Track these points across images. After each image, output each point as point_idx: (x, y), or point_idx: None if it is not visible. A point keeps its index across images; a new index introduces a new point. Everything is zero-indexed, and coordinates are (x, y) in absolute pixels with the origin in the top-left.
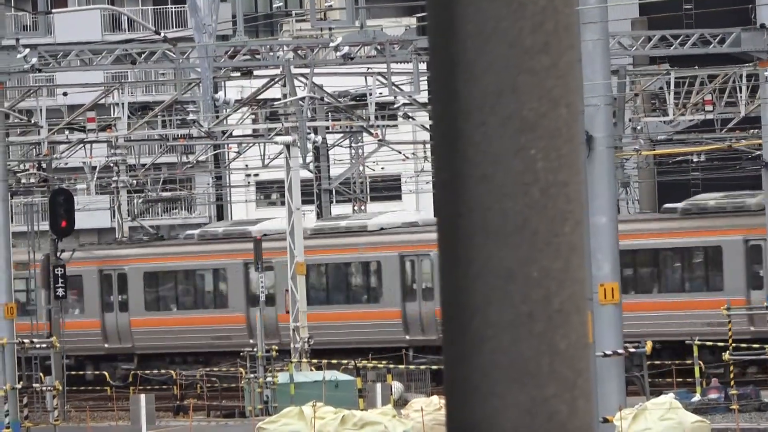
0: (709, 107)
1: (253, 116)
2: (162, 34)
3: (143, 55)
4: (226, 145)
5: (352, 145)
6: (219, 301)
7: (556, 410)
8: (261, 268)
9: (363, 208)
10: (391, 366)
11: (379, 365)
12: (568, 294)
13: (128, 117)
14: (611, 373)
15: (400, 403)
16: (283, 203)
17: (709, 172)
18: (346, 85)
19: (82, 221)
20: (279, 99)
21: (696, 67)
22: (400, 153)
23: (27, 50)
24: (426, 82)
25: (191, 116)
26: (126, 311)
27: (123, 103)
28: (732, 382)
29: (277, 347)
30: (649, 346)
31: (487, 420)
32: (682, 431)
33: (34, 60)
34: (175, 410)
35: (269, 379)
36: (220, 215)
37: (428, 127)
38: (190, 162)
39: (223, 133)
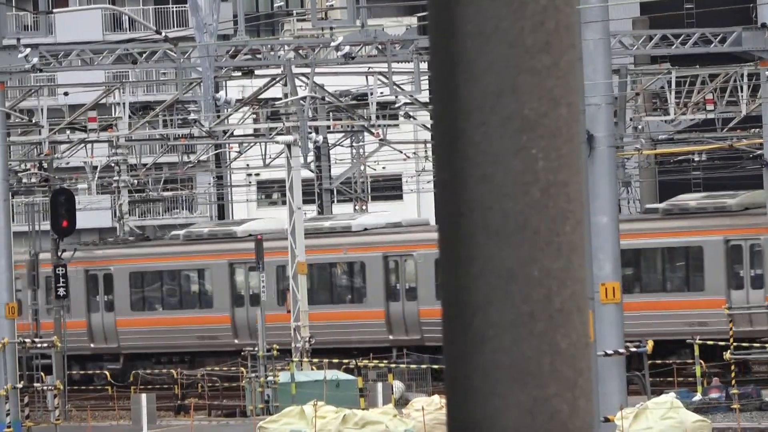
0: (710, 106)
1: (254, 116)
2: (163, 34)
3: (144, 55)
4: (227, 145)
5: (353, 144)
6: (204, 301)
7: (558, 410)
8: (262, 268)
9: (364, 207)
10: (393, 365)
11: (380, 364)
12: (569, 293)
13: (129, 117)
14: (612, 372)
15: (401, 403)
16: (284, 203)
17: (710, 172)
18: (347, 85)
19: (83, 221)
20: (280, 98)
21: (697, 66)
22: (401, 152)
23: (28, 50)
24: (427, 82)
25: (192, 116)
26: (112, 311)
27: (124, 103)
28: (733, 382)
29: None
30: (650, 346)
31: (488, 419)
32: (683, 430)
33: (35, 60)
34: (176, 410)
35: (270, 378)
36: (222, 215)
37: (429, 126)
38: (191, 162)
39: (224, 132)
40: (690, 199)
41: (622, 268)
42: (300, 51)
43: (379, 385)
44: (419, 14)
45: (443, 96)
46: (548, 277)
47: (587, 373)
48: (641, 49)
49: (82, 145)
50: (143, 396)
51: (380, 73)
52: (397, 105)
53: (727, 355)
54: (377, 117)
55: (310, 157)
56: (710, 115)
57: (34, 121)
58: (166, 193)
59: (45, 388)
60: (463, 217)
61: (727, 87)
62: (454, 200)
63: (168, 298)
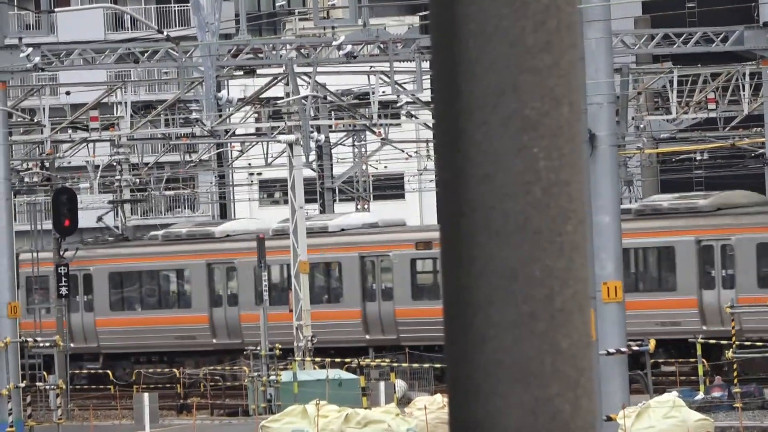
0: (711, 105)
1: (256, 115)
2: (165, 33)
3: (146, 54)
4: (229, 144)
5: (355, 143)
6: (182, 301)
7: (559, 409)
8: (264, 267)
9: (366, 206)
10: (395, 364)
11: (383, 363)
12: (571, 293)
13: (131, 116)
14: (614, 371)
15: (404, 402)
16: (286, 202)
17: (712, 171)
18: (348, 84)
19: (85, 220)
20: (282, 98)
21: (699, 65)
22: (403, 152)
23: (30, 49)
24: (429, 81)
25: (194, 115)
26: (91, 311)
27: (126, 102)
28: (735, 380)
29: (240, 347)
30: (652, 345)
31: (490, 419)
32: (686, 429)
33: (37, 59)
34: (179, 409)
35: (272, 377)
36: (224, 214)
37: (431, 125)
38: (193, 161)
39: (226, 131)
40: (662, 200)
41: None
42: (302, 50)
43: (382, 384)
44: (421, 13)
45: (445, 95)
46: (550, 277)
47: (589, 373)
48: (643, 48)
49: (84, 144)
50: (146, 395)
51: (382, 72)
52: (398, 104)
53: (729, 354)
54: (379, 116)
55: (312, 157)
56: (712, 114)
57: (36, 120)
58: (167, 192)
59: (47, 387)
60: (465, 216)
61: (729, 86)
62: (456, 200)
63: (147, 298)
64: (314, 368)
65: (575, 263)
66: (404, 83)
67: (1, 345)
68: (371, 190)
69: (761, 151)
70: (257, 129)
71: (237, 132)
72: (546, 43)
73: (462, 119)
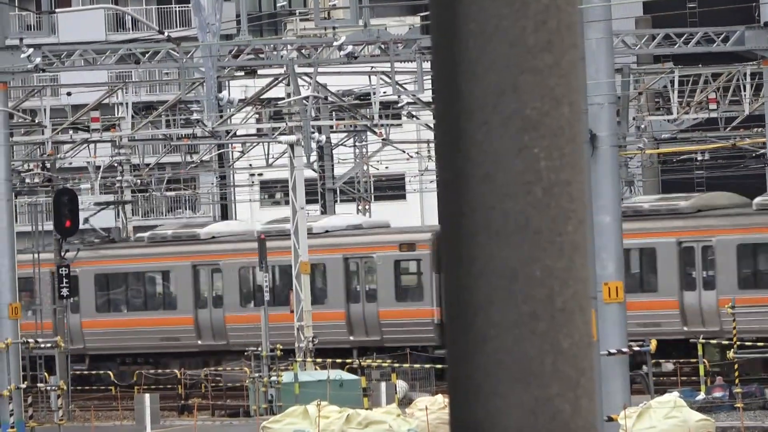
0: (713, 105)
1: (257, 116)
2: (166, 34)
3: (147, 55)
4: (230, 145)
5: (356, 144)
6: (168, 302)
7: (560, 409)
8: (265, 267)
9: (367, 207)
10: (396, 365)
11: (384, 364)
12: (571, 293)
13: (132, 116)
14: (616, 371)
15: (405, 402)
16: (287, 203)
17: (713, 171)
18: (349, 85)
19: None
20: (283, 98)
21: (700, 65)
22: (404, 152)
23: (31, 50)
24: (430, 81)
25: (195, 116)
26: (77, 312)
27: (127, 103)
28: (736, 381)
29: (225, 348)
30: (653, 345)
31: (490, 419)
32: (687, 429)
33: (38, 60)
34: (180, 409)
35: (274, 378)
36: (225, 215)
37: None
38: (194, 161)
39: (227, 132)
40: (644, 202)
41: None
42: (303, 51)
43: (383, 384)
44: (422, 14)
45: (445, 95)
46: (550, 277)
47: (589, 373)
48: (644, 48)
49: (85, 145)
50: (147, 396)
51: (383, 72)
52: (399, 105)
53: (730, 354)
54: (380, 117)
55: (313, 157)
56: (713, 115)
57: (37, 121)
58: (168, 193)
59: (48, 388)
60: (465, 216)
61: (730, 86)
62: (456, 200)
63: (132, 299)
64: (315, 369)
65: (576, 263)
66: (405, 84)
67: (2, 346)
68: (372, 191)
69: (762, 151)
70: (258, 130)
71: (238, 133)
72: (546, 43)
73: (462, 119)
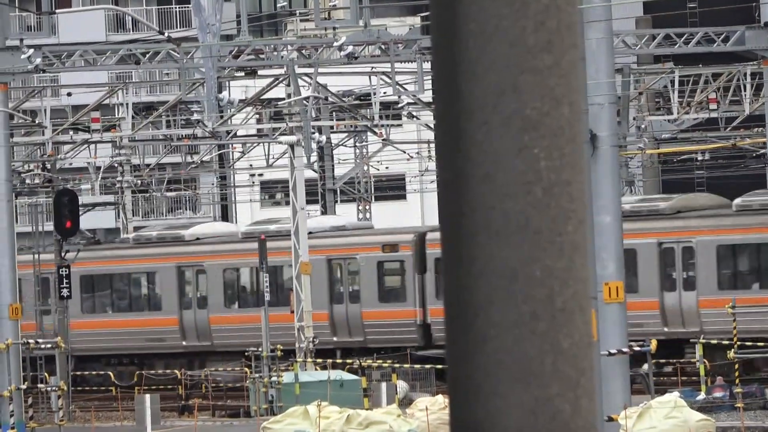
0: (713, 105)
1: (258, 116)
2: (166, 34)
3: (147, 55)
4: (230, 145)
5: (357, 144)
6: (153, 303)
7: (560, 409)
8: (265, 268)
9: (368, 207)
10: (396, 365)
11: (384, 364)
12: (572, 293)
13: (132, 117)
14: (616, 371)
15: (405, 403)
16: (287, 203)
17: (713, 171)
18: (350, 85)
19: (86, 221)
20: (283, 99)
21: (700, 65)
22: (405, 152)
23: (31, 50)
24: (430, 82)
25: (195, 116)
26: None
27: (127, 104)
28: (737, 381)
29: (209, 349)
30: (654, 345)
31: (490, 419)
32: (687, 429)
33: (39, 60)
34: (180, 410)
35: (274, 378)
36: (225, 215)
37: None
38: (194, 162)
39: (228, 133)
40: (624, 203)
41: None
42: (303, 51)
43: (383, 385)
44: (422, 14)
45: (445, 95)
46: (550, 277)
47: (589, 373)
48: (644, 48)
49: (86, 145)
50: (147, 396)
51: (383, 73)
52: (400, 105)
53: (730, 354)
54: (380, 117)
55: (314, 158)
56: (713, 115)
57: (37, 121)
58: (169, 194)
59: (49, 389)
60: (465, 216)
61: (730, 86)
62: (456, 200)
63: (118, 300)
64: (316, 369)
65: (575, 263)
66: (405, 84)
67: (2, 347)
68: (372, 191)
69: (762, 151)
70: (258, 130)
71: (238, 133)
72: (546, 43)
73: (462, 119)
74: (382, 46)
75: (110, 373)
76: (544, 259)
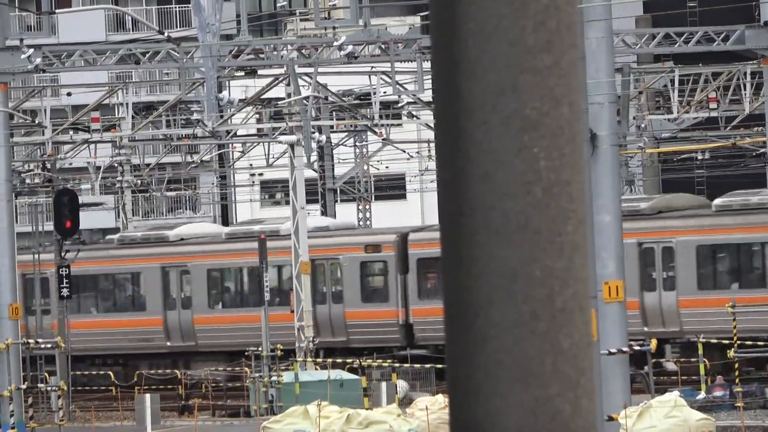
0: (713, 105)
1: (258, 116)
2: (166, 34)
3: (147, 55)
4: (230, 145)
5: (357, 144)
6: (137, 304)
7: (560, 409)
8: (266, 268)
9: (368, 207)
10: (396, 365)
11: (384, 364)
12: (571, 293)
13: (132, 117)
14: (616, 371)
15: (405, 402)
16: (287, 203)
17: (713, 170)
18: (350, 84)
19: (86, 221)
20: (283, 98)
21: (700, 64)
22: (405, 152)
23: (31, 50)
24: (430, 81)
25: (195, 116)
26: (47, 314)
27: (127, 103)
28: (737, 380)
29: (194, 349)
30: (653, 344)
31: (490, 419)
32: (687, 429)
33: (38, 60)
34: (180, 410)
35: (274, 378)
36: (225, 215)
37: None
38: (194, 162)
39: (228, 132)
40: None
41: None
42: (303, 51)
43: (383, 384)
44: (422, 13)
45: (445, 95)
46: (550, 277)
47: (589, 373)
48: (644, 47)
49: (86, 145)
50: (147, 396)
51: (383, 72)
52: (400, 104)
53: (731, 353)
54: (380, 116)
55: (314, 157)
56: (713, 114)
57: (37, 121)
58: (169, 193)
59: (49, 388)
60: (465, 216)
61: (730, 85)
62: (456, 199)
63: (103, 301)
64: (316, 369)
65: (575, 263)
66: (405, 83)
67: (2, 347)
68: (372, 191)
69: (762, 150)
70: (258, 130)
71: (238, 133)
72: (546, 43)
73: (462, 119)
74: (382, 46)
75: (110, 373)
76: (543, 259)
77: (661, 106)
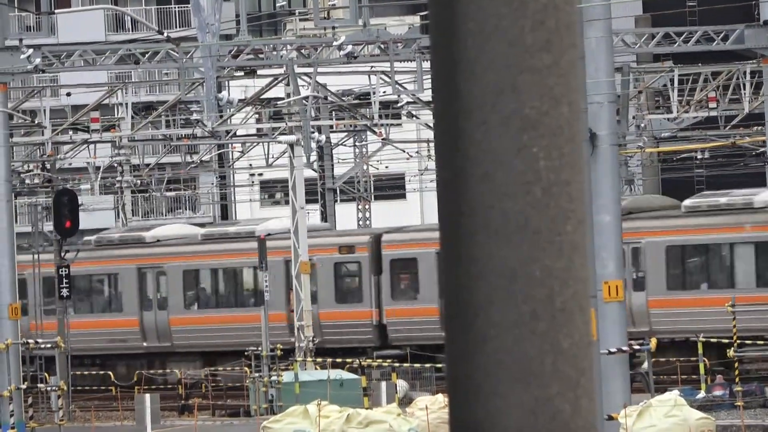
0: (712, 104)
1: (257, 116)
2: (165, 34)
3: (147, 55)
4: (230, 145)
5: (356, 144)
6: (114, 305)
7: (559, 409)
8: (265, 267)
9: (367, 207)
10: (396, 364)
11: (384, 363)
12: (571, 293)
13: (132, 117)
14: (616, 370)
15: (405, 402)
16: (287, 202)
17: (713, 169)
18: (349, 84)
19: (86, 221)
20: (282, 98)
21: (700, 64)
22: (404, 152)
23: (30, 51)
24: (429, 81)
25: (195, 116)
26: (25, 315)
27: (127, 103)
28: (737, 379)
29: (169, 350)
30: (653, 344)
31: (490, 419)
32: (687, 428)
33: (38, 60)
34: (180, 410)
35: (274, 378)
36: (225, 215)
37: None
38: (194, 162)
39: (227, 132)
40: None
41: None
42: (302, 50)
43: (383, 384)
44: (421, 13)
45: (444, 95)
46: (550, 277)
47: (589, 373)
48: (644, 47)
49: (85, 145)
50: (147, 396)
51: (383, 72)
52: (399, 104)
53: (730, 352)
54: (380, 116)
55: (313, 157)
56: (713, 113)
57: (36, 121)
58: (168, 194)
59: (49, 388)
60: (464, 216)
61: (730, 85)
62: (455, 199)
63: (79, 302)
64: (315, 368)
65: (575, 263)
66: (405, 83)
67: (2, 347)
68: (372, 191)
69: (762, 149)
70: (258, 130)
71: (238, 133)
72: (545, 43)
73: (461, 118)
74: (382, 46)
75: (110, 373)
76: (543, 259)
77: (660, 105)
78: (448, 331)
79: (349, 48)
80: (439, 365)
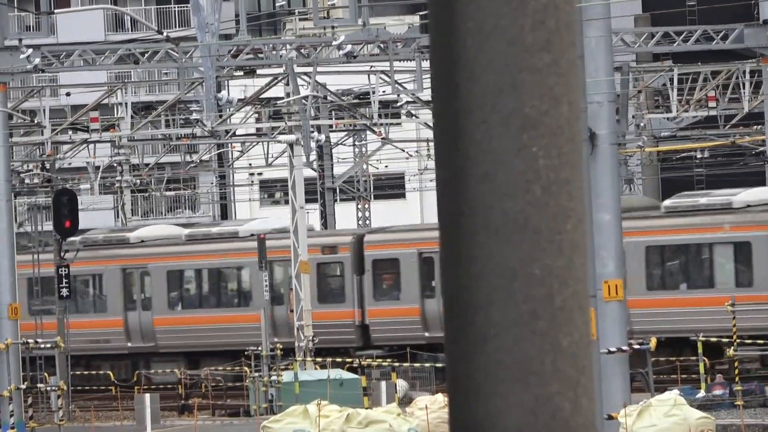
0: (712, 103)
1: (257, 115)
2: (165, 34)
3: (146, 55)
4: (229, 144)
5: (356, 143)
6: (98, 305)
7: (559, 408)
8: (265, 267)
9: (367, 206)
10: (396, 364)
11: (384, 363)
12: (571, 292)
13: (131, 117)
14: (615, 370)
15: (405, 401)
16: (286, 202)
17: (712, 169)
18: (349, 84)
19: (85, 221)
20: (282, 98)
21: (699, 63)
22: (404, 151)
23: (30, 50)
24: (429, 80)
25: (194, 116)
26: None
27: (126, 103)
28: (737, 378)
29: (154, 350)
30: (653, 343)
31: (490, 418)
32: (687, 427)
33: (37, 60)
34: (180, 409)
35: (274, 377)
36: (224, 214)
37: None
38: (193, 161)
39: (227, 132)
40: None
41: None
42: (302, 50)
43: (383, 383)
44: (421, 13)
45: (444, 94)
46: (550, 276)
47: (589, 372)
48: (643, 46)
49: (85, 145)
50: (147, 396)
51: (382, 71)
52: (399, 104)
53: (730, 351)
54: (379, 116)
55: (313, 156)
56: (712, 112)
57: (36, 121)
58: (168, 193)
59: (48, 388)
60: (464, 215)
61: (729, 84)
62: (455, 199)
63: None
64: (315, 368)
65: (575, 262)
66: (404, 83)
67: (2, 347)
68: (372, 190)
69: (762, 148)
70: (257, 129)
71: (237, 132)
72: (545, 42)
73: (461, 118)
74: (381, 45)
75: (110, 373)
76: (543, 258)
77: (660, 104)
78: (448, 331)
79: (349, 47)
80: (440, 365)
